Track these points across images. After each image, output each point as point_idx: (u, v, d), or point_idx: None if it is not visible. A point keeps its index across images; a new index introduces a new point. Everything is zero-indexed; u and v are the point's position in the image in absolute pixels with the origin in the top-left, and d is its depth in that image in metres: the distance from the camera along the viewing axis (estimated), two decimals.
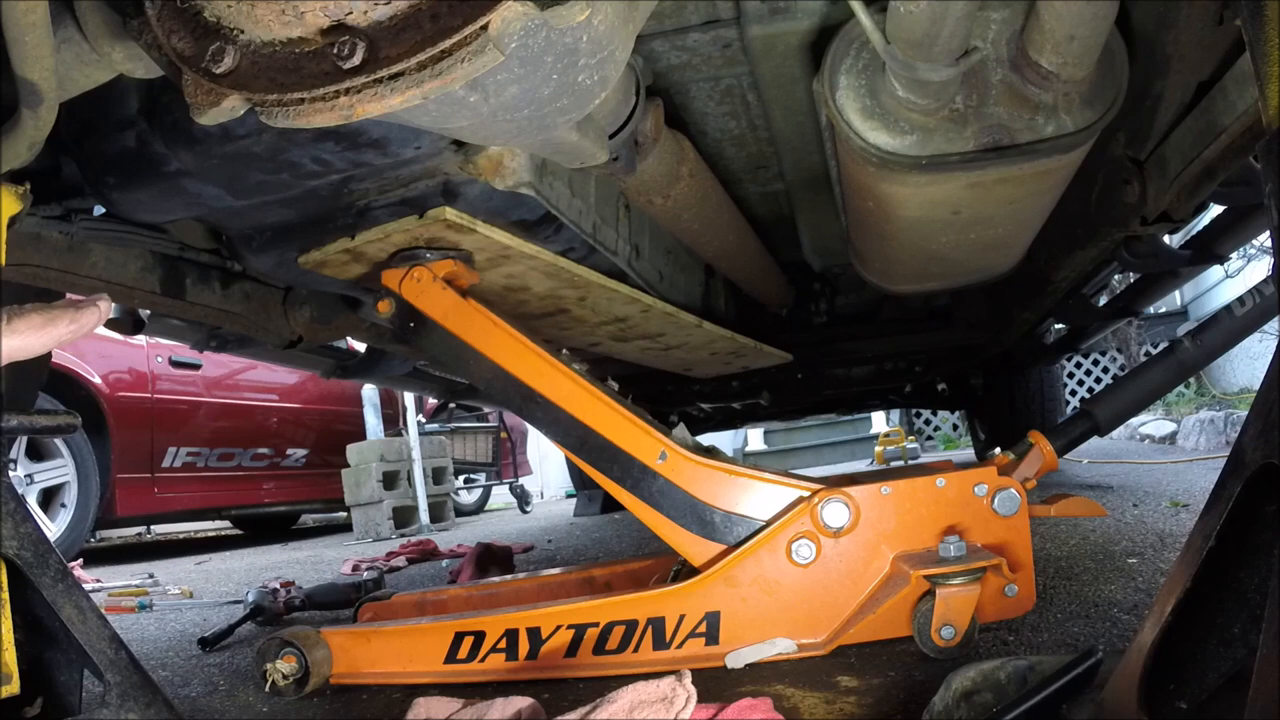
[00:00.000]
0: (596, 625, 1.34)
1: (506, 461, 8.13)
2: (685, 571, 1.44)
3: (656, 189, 1.58)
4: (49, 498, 4.86)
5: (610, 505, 5.27)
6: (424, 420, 7.21)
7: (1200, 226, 2.30)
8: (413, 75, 0.68)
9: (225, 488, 6.04)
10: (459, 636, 1.38)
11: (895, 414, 9.45)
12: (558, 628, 1.35)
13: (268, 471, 6.40)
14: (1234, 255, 5.48)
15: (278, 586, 2.35)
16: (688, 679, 0.99)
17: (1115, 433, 3.20)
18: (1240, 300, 1.42)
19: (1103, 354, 8.70)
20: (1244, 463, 0.64)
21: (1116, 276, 3.26)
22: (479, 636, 1.37)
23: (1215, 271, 6.15)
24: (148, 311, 1.95)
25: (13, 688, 0.80)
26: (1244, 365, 6.88)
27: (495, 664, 1.37)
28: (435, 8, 0.68)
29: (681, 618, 1.33)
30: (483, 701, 1.10)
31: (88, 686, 0.90)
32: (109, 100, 1.21)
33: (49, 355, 2.08)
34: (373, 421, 6.76)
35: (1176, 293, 8.10)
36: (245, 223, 1.48)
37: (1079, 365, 8.76)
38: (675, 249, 2.09)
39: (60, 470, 4.85)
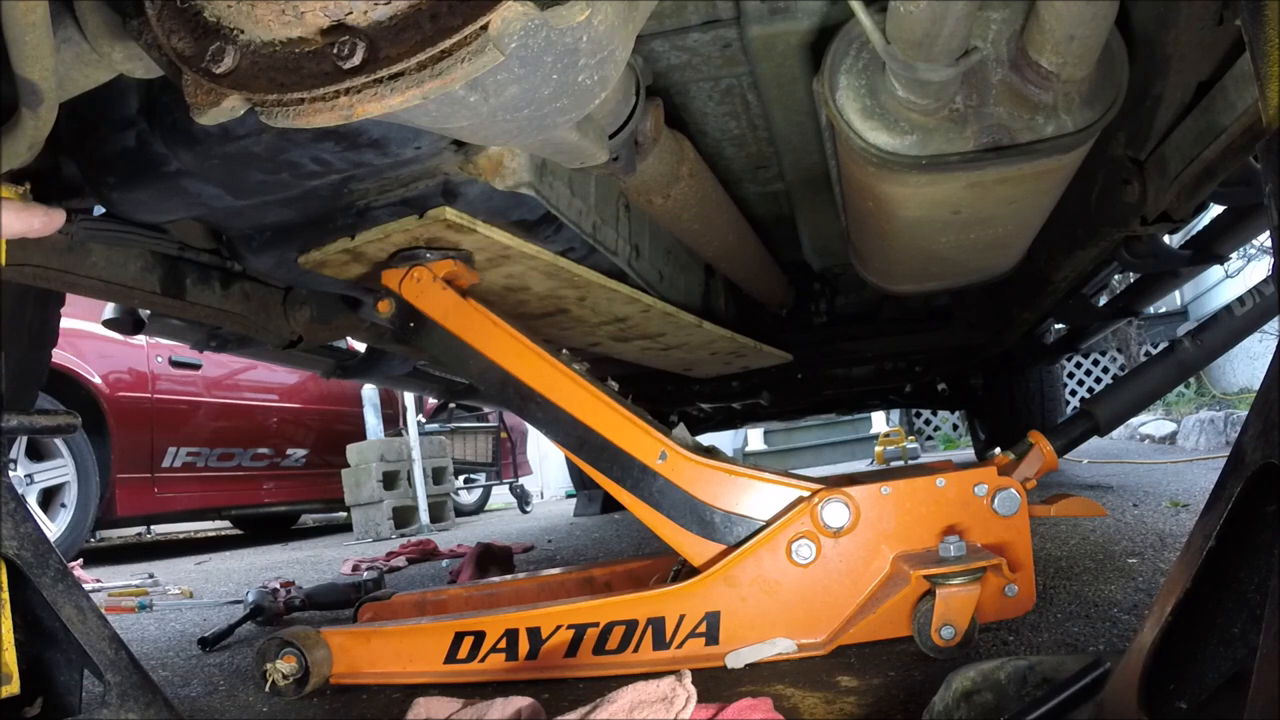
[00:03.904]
0: (596, 625, 1.34)
1: (506, 461, 8.13)
2: (685, 571, 1.44)
3: (656, 189, 1.58)
4: (49, 498, 4.86)
5: (610, 505, 5.27)
6: (424, 420, 7.21)
7: (1200, 226, 2.30)
8: (413, 75, 0.68)
9: (225, 488, 6.04)
10: (459, 636, 1.38)
11: (895, 414, 9.45)
12: (558, 628, 1.35)
13: (268, 471, 6.40)
14: (1234, 255, 5.48)
15: (278, 586, 2.35)
16: (688, 679, 0.99)
17: (1115, 433, 3.20)
18: (1240, 300, 1.42)
19: (1103, 354, 8.70)
20: (1244, 463, 0.63)
21: (1116, 276, 3.26)
22: (479, 636, 1.37)
23: (1215, 271, 6.15)
24: (148, 311, 1.95)
25: (13, 688, 0.81)
26: (1244, 365, 6.88)
27: (495, 664, 1.37)
28: (435, 8, 0.68)
29: (681, 618, 1.33)
30: (483, 701, 1.10)
31: (88, 686, 0.90)
32: (109, 100, 1.21)
33: (49, 355, 2.08)
34: (373, 421, 6.76)
35: (1176, 293, 8.10)
36: (245, 223, 1.48)
37: (1079, 365, 8.76)
38: (675, 249, 2.09)
39: (60, 470, 4.84)
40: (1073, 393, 8.57)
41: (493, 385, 1.47)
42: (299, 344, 2.09)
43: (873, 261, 1.94)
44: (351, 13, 0.69)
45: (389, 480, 6.07)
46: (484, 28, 0.66)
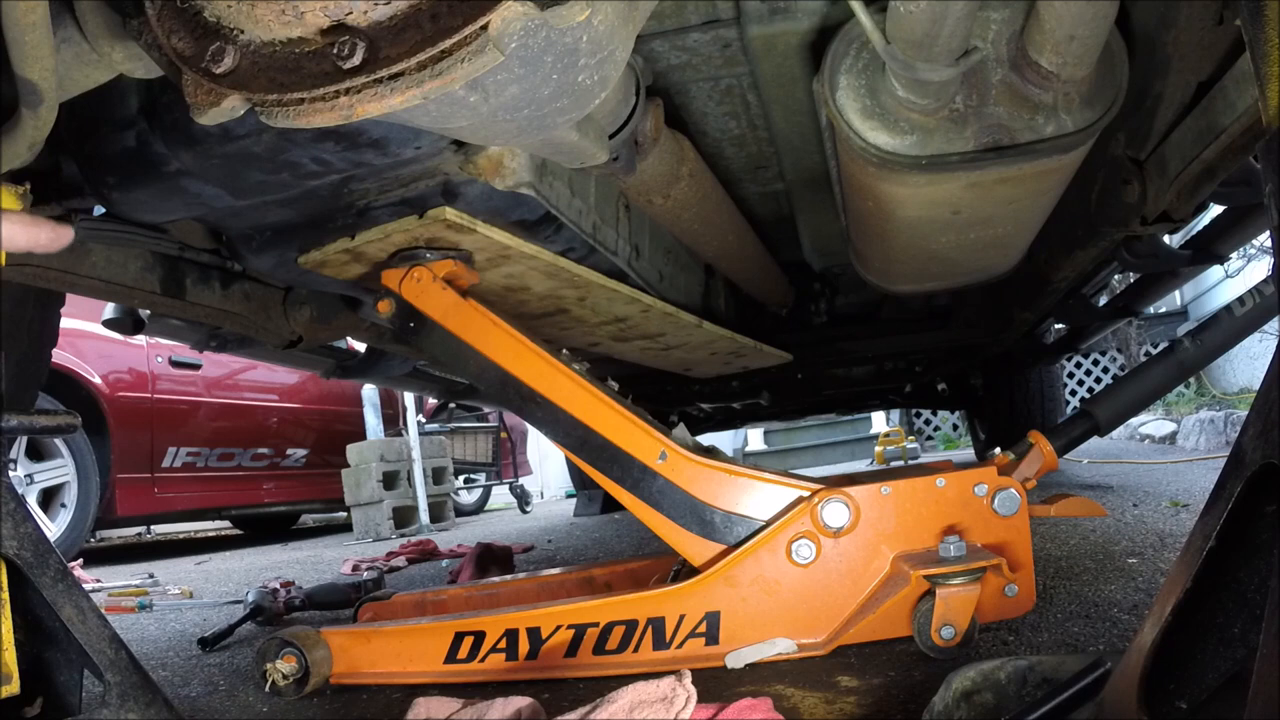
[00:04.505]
0: (596, 625, 1.34)
1: (506, 461, 8.14)
2: (685, 571, 1.44)
3: (656, 189, 1.58)
4: (49, 498, 4.86)
5: (610, 505, 5.27)
6: (424, 420, 7.21)
7: (1200, 226, 2.30)
8: (413, 75, 0.68)
9: (225, 488, 6.04)
10: (459, 636, 1.38)
11: (895, 414, 9.45)
12: (558, 628, 1.35)
13: (268, 471, 6.40)
14: (1234, 255, 5.48)
15: (278, 586, 2.35)
16: (688, 679, 0.99)
17: (1115, 433, 3.20)
18: (1240, 300, 1.42)
19: (1103, 354, 8.70)
20: (1244, 463, 0.63)
21: (1116, 276, 3.26)
22: (479, 636, 1.37)
23: (1215, 271, 6.15)
24: (148, 311, 1.95)
25: (13, 688, 0.81)
26: (1244, 365, 6.88)
27: (495, 664, 1.37)
28: (435, 7, 0.68)
29: (681, 618, 1.33)
30: (483, 701, 1.10)
31: (88, 686, 0.90)
32: (109, 100, 1.21)
33: (49, 355, 2.08)
34: (373, 421, 6.76)
35: (1176, 293, 8.10)
36: (245, 223, 1.48)
37: (1079, 365, 8.76)
38: (675, 249, 2.09)
39: (60, 470, 4.84)
40: (1073, 393, 8.57)
41: (493, 385, 1.47)
42: (299, 344, 2.09)
43: (873, 261, 1.94)
44: (351, 13, 0.69)
45: (389, 480, 6.07)
46: (484, 28, 0.66)
